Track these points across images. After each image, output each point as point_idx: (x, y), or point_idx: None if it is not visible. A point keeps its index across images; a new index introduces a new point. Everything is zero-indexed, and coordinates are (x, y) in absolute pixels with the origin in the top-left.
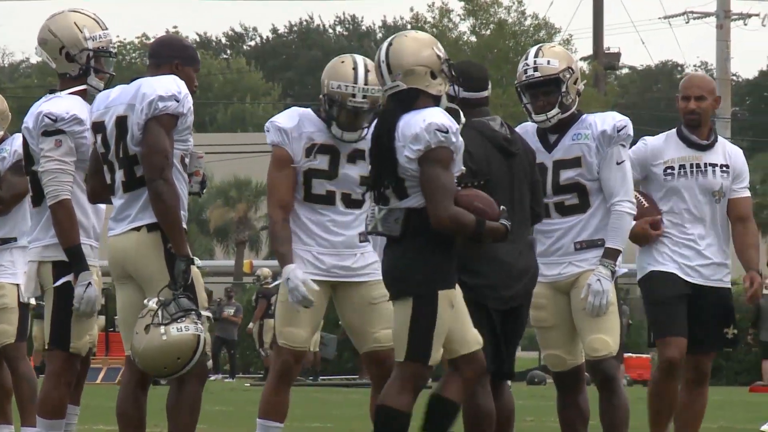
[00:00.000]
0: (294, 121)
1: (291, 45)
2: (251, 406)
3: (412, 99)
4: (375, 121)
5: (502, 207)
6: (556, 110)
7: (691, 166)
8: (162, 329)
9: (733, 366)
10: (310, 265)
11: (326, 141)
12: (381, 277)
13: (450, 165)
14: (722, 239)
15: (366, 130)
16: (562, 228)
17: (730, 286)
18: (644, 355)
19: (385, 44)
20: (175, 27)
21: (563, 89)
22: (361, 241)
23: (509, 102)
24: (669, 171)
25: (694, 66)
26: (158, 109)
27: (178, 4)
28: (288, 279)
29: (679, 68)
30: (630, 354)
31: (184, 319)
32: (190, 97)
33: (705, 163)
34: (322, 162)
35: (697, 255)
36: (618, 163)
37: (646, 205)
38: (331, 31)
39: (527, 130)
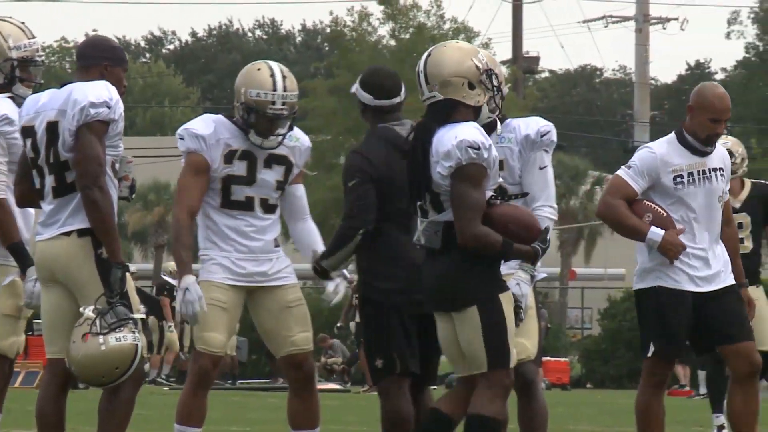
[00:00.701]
0: (210, 128)
1: (210, 49)
2: (170, 409)
3: (449, 110)
4: (411, 133)
5: (545, 227)
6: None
7: (699, 173)
8: (101, 339)
9: None
10: (228, 271)
11: (243, 147)
12: (295, 281)
13: (481, 182)
14: (720, 242)
15: (284, 136)
16: None
17: (735, 282)
18: (563, 359)
19: (425, 55)
20: (94, 30)
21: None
22: (275, 246)
23: None
24: (679, 179)
25: (613, 70)
26: (90, 116)
27: (98, 8)
28: (187, 290)
29: (598, 72)
30: (549, 358)
31: (122, 328)
32: (121, 103)
33: (709, 169)
34: (239, 168)
35: (706, 265)
36: (540, 168)
37: (664, 214)
38: (250, 34)
39: None
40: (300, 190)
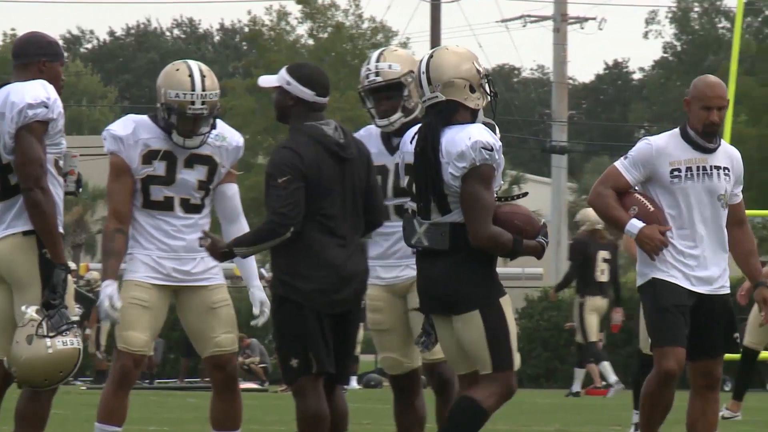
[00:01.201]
0: (129, 129)
1: (128, 48)
2: (87, 409)
3: (451, 111)
4: (416, 135)
5: (543, 222)
6: (398, 114)
7: (698, 168)
8: (48, 342)
9: (568, 369)
10: (150, 269)
11: (162, 147)
12: (222, 281)
13: (491, 183)
14: (724, 245)
15: (206, 135)
16: (401, 231)
17: (729, 291)
18: None
19: (426, 56)
20: (12, 29)
21: (405, 93)
22: (200, 246)
23: (346, 105)
24: (676, 173)
25: (531, 69)
26: (28, 117)
27: (15, 6)
28: (109, 297)
29: (516, 72)
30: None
31: (68, 332)
32: (59, 101)
33: (711, 166)
34: (159, 168)
35: (700, 264)
36: None
37: (652, 208)
38: (168, 34)
39: (371, 132)
40: (231, 190)
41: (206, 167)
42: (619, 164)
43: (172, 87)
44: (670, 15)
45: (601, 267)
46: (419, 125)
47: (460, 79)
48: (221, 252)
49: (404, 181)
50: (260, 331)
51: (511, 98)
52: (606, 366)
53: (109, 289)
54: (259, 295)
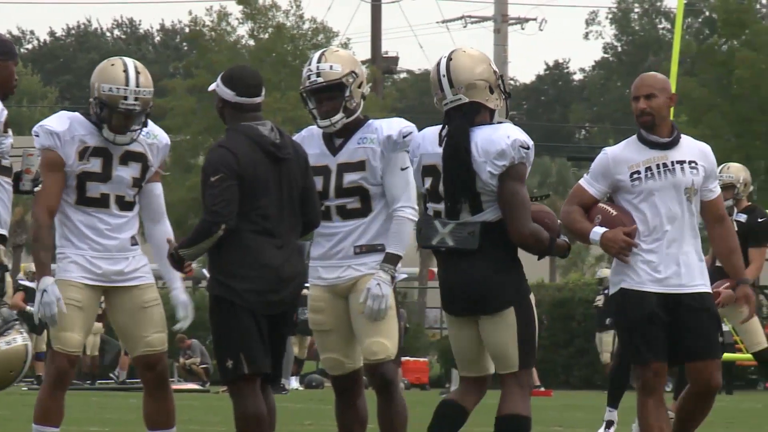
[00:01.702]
0: (65, 125)
1: (69, 48)
2: (30, 410)
3: (474, 113)
4: (445, 137)
5: (559, 221)
6: (340, 115)
7: (658, 166)
8: None
9: None
10: (83, 269)
11: (98, 144)
12: (152, 280)
13: (525, 180)
14: (698, 241)
15: (137, 132)
16: (343, 231)
17: (709, 290)
18: (422, 359)
19: (444, 59)
20: None
21: (347, 94)
22: (132, 245)
23: (287, 106)
24: (635, 176)
25: None
26: None
27: None
28: (45, 292)
29: None
30: (408, 358)
31: (10, 331)
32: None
33: (672, 162)
34: (95, 165)
35: (672, 262)
36: (402, 169)
37: (614, 213)
38: (109, 34)
39: (313, 133)
40: (157, 189)
41: (140, 164)
42: (583, 180)
43: (106, 81)
44: (610, 16)
45: None
46: (443, 127)
47: (482, 81)
48: (172, 259)
49: (422, 182)
50: (201, 332)
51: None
52: None
53: (56, 289)
54: (182, 297)
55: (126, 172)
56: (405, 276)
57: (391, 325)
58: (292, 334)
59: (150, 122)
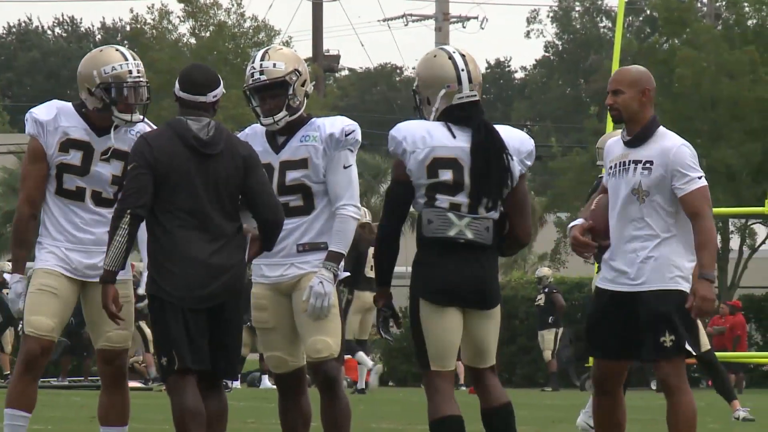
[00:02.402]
0: (51, 114)
1: (9, 46)
2: None
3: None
4: (481, 131)
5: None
6: (283, 113)
7: (619, 165)
8: None
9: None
10: (59, 260)
11: (82, 137)
12: (127, 277)
13: None
14: (655, 240)
15: (147, 104)
16: (286, 229)
17: (658, 288)
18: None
19: (458, 54)
20: None
21: (290, 92)
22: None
23: (229, 104)
24: (609, 171)
25: (413, 68)
26: None
27: None
28: (10, 289)
29: (399, 71)
30: (351, 356)
31: None
32: None
33: (629, 161)
34: (74, 157)
35: (623, 260)
36: (345, 167)
37: (592, 207)
38: (50, 32)
39: (256, 131)
40: None
41: (123, 163)
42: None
43: (106, 63)
44: (551, 14)
45: (371, 263)
46: (473, 121)
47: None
48: (107, 281)
49: (432, 174)
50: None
51: (394, 97)
52: (361, 355)
53: (19, 287)
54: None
55: (106, 169)
56: (347, 274)
57: (334, 324)
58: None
59: (143, 122)
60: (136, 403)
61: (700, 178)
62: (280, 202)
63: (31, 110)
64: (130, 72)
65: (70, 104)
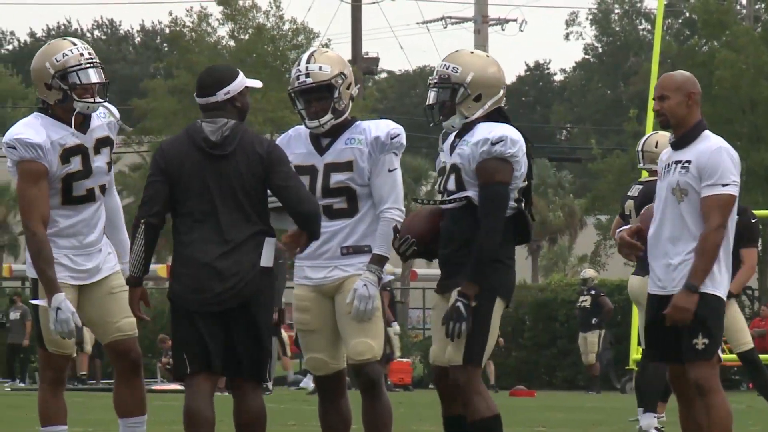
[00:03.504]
0: (42, 134)
1: None
2: (10, 410)
3: None
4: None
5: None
6: (329, 116)
7: (664, 168)
8: None
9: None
10: (67, 269)
11: (74, 142)
12: (118, 267)
13: None
14: (689, 243)
15: (106, 87)
16: (329, 231)
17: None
18: (405, 360)
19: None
20: None
21: (336, 95)
22: (103, 235)
23: (269, 107)
24: (659, 176)
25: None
26: None
27: None
28: (59, 309)
29: None
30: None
31: None
32: None
33: (672, 162)
34: (75, 164)
35: (662, 264)
36: (390, 171)
37: (643, 210)
38: (89, 35)
39: (300, 133)
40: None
41: (108, 148)
42: None
43: (56, 53)
44: (590, 16)
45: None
46: (511, 123)
47: None
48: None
49: (525, 177)
50: None
51: None
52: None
53: (70, 305)
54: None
55: (101, 161)
56: (392, 278)
57: (377, 326)
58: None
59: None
60: (173, 405)
61: (725, 185)
62: (310, 193)
63: (16, 136)
64: (82, 55)
65: (39, 115)
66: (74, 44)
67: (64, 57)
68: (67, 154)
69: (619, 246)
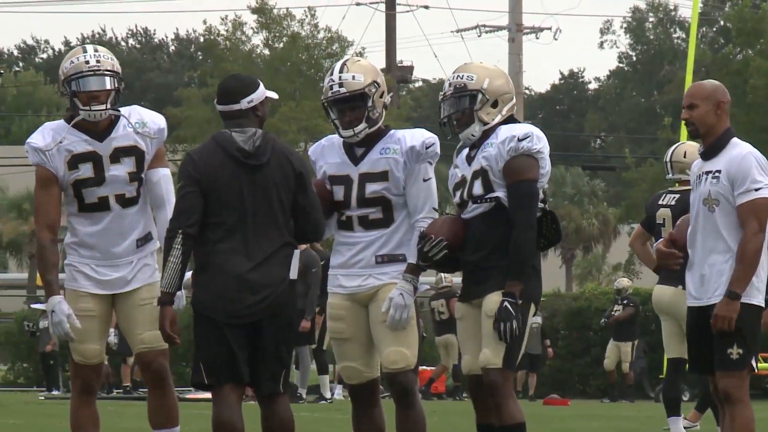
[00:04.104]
0: (48, 138)
1: None
2: (44, 418)
3: None
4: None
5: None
6: (363, 125)
7: (696, 179)
8: None
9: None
10: (88, 278)
11: (84, 149)
12: (152, 280)
13: None
14: (724, 253)
15: (114, 95)
16: (365, 241)
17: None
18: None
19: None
20: None
21: (370, 104)
22: (138, 246)
23: (302, 116)
24: (691, 187)
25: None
26: None
27: None
28: (53, 312)
29: None
30: (425, 367)
31: None
32: None
33: (702, 173)
34: (86, 171)
35: (697, 275)
36: (425, 180)
37: (678, 221)
38: (123, 43)
39: (333, 142)
40: (156, 175)
41: (133, 158)
42: None
43: (67, 60)
44: (624, 25)
45: None
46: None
47: None
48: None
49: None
50: None
51: None
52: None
53: (64, 306)
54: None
55: (120, 170)
56: (427, 287)
57: (411, 335)
58: (302, 344)
59: (140, 109)
60: (205, 414)
61: (758, 189)
62: (324, 220)
63: (28, 140)
64: (87, 62)
65: (62, 121)
66: (85, 51)
67: (71, 64)
68: (75, 161)
69: (658, 257)
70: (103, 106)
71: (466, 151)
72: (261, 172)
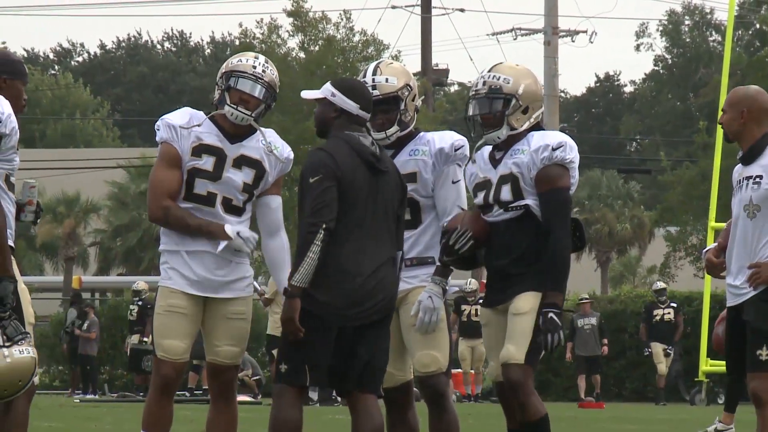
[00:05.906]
0: (185, 119)
1: (119, 61)
2: (81, 421)
3: None
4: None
5: None
6: (395, 128)
7: (736, 184)
8: (6, 351)
9: (561, 382)
10: (183, 277)
11: (214, 143)
12: (246, 293)
13: None
14: (750, 256)
15: (254, 116)
16: None
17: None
18: (471, 371)
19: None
20: (3, 42)
21: (402, 107)
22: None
23: None
24: (733, 193)
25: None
26: None
27: (6, 20)
28: (239, 232)
29: None
30: (458, 370)
31: (23, 341)
32: (13, 117)
33: (742, 178)
34: (207, 162)
35: (735, 275)
36: (453, 182)
37: (723, 229)
38: (159, 47)
39: None
40: (275, 202)
41: (254, 171)
42: None
43: (236, 57)
44: (660, 28)
45: None
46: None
47: None
48: (294, 295)
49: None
50: (252, 344)
51: None
52: None
53: (244, 228)
54: None
55: (238, 176)
56: (456, 289)
57: (442, 338)
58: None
59: (273, 133)
60: (244, 417)
61: None
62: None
63: (163, 116)
64: (254, 67)
65: (201, 112)
66: (256, 58)
67: (238, 62)
68: (200, 150)
69: (707, 267)
70: (248, 113)
71: (487, 149)
72: (383, 178)
